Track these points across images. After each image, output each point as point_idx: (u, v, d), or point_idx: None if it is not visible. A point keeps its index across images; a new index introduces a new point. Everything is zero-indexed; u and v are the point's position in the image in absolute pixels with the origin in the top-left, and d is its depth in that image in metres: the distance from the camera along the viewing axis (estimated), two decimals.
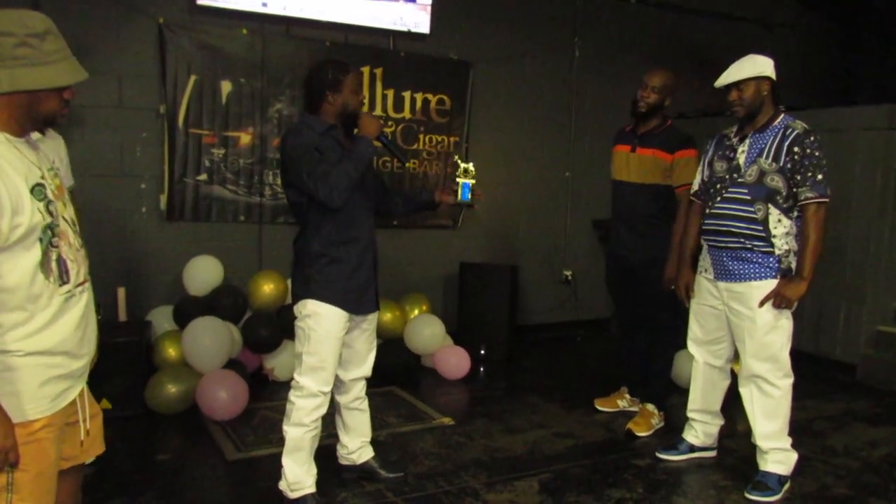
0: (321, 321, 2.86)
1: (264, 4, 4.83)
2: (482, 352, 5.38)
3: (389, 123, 5.41)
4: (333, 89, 2.87)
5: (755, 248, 3.15)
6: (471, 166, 3.12)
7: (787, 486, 3.28)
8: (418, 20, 5.35)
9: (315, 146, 2.79)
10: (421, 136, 5.58)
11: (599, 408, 4.36)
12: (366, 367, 3.16)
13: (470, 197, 3.11)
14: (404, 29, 5.34)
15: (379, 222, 3.14)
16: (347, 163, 2.79)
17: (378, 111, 5.36)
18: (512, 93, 6.02)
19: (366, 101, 5.22)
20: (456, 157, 3.19)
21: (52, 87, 1.73)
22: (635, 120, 3.99)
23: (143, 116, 4.71)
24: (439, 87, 5.64)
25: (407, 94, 5.51)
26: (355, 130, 2.96)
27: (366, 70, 5.25)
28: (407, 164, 3.12)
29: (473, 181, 3.10)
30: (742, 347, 3.27)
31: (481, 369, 5.26)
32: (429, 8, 5.35)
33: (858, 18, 7.69)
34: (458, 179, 3.10)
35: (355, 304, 2.94)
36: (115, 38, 4.57)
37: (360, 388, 3.19)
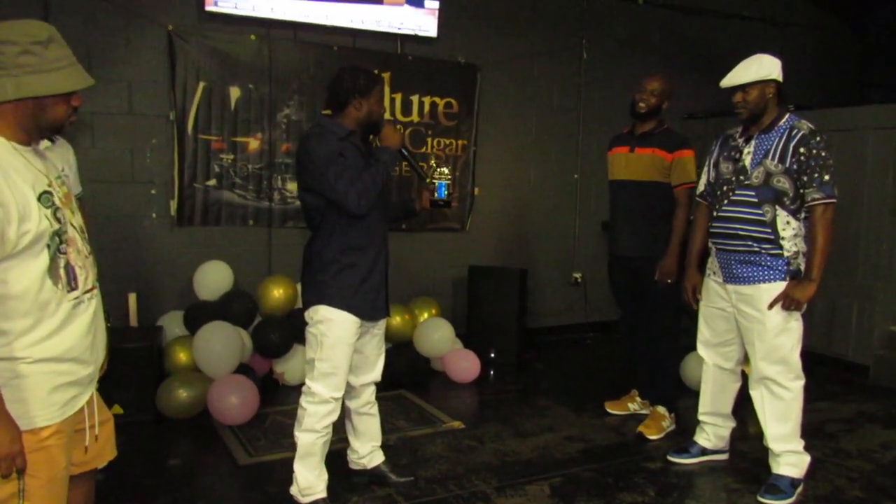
0: (333, 327, 2.86)
1: (272, 10, 4.85)
2: (492, 355, 5.37)
3: (398, 127, 5.41)
4: (363, 95, 2.86)
5: (763, 251, 3.13)
6: (445, 169, 3.23)
7: (799, 488, 3.26)
8: (426, 24, 5.36)
9: (340, 152, 2.79)
10: (429, 140, 5.59)
11: (610, 411, 4.35)
12: (376, 372, 3.16)
13: (446, 195, 3.18)
14: (412, 33, 5.35)
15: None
16: (374, 171, 2.79)
17: (386, 115, 5.36)
18: (520, 95, 6.02)
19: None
20: (432, 161, 3.28)
21: (56, 93, 1.74)
22: (633, 122, 4.05)
23: (153, 123, 4.74)
24: (447, 90, 5.64)
25: (415, 98, 5.52)
26: (371, 138, 2.96)
27: None
28: (427, 180, 3.14)
29: (448, 181, 3.19)
30: (752, 350, 3.25)
31: (491, 372, 5.25)
32: (436, 12, 5.36)
33: (869, 17, 7.65)
34: (434, 180, 3.16)
35: (368, 309, 2.94)
36: (124, 45, 4.61)
37: (370, 393, 3.19)
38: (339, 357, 2.88)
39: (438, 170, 3.18)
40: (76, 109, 1.84)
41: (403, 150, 3.02)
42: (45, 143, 2.14)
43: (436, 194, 3.15)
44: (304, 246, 3.01)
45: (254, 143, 5.02)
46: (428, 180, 3.13)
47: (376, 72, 5.18)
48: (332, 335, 2.86)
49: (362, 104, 2.87)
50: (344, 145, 2.83)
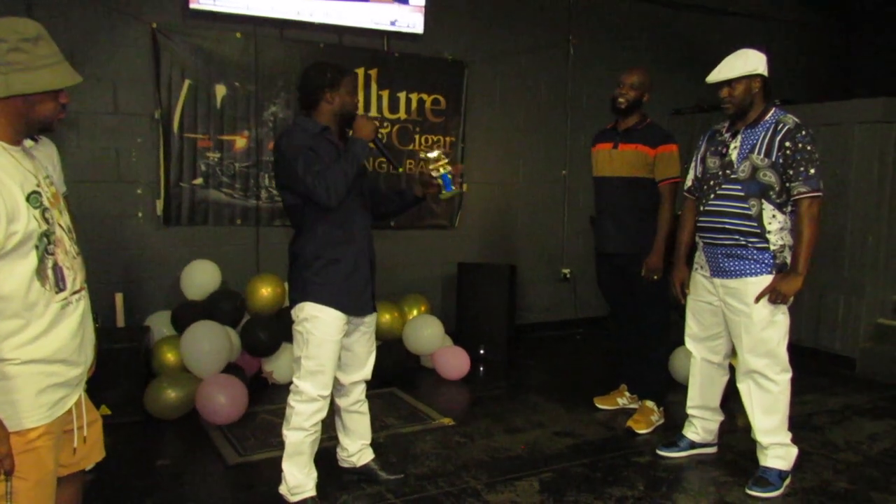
0: (319, 324, 2.85)
1: (258, 7, 4.81)
2: (481, 351, 5.38)
3: (385, 125, 5.41)
4: (332, 88, 2.86)
5: (750, 245, 3.15)
6: (439, 154, 3.03)
7: (787, 481, 3.28)
8: (412, 21, 5.35)
9: (310, 147, 2.78)
10: (417, 137, 5.58)
11: (599, 406, 4.36)
12: (366, 370, 3.15)
13: (454, 187, 3.01)
14: (398, 30, 5.33)
15: (376, 223, 3.13)
16: (343, 162, 2.77)
17: (373, 112, 5.36)
18: (507, 92, 6.03)
19: (360, 102, 5.21)
20: (422, 154, 3.09)
21: (47, 90, 1.74)
22: (616, 118, 4.05)
23: (139, 122, 4.71)
24: (434, 87, 5.64)
25: (402, 95, 5.51)
26: (350, 132, 2.95)
27: (360, 71, 5.25)
28: (399, 169, 3.07)
29: (449, 168, 3.01)
30: (739, 343, 3.26)
31: (481, 369, 5.26)
32: (422, 8, 5.35)
33: (854, 12, 7.70)
34: (434, 174, 3.01)
35: (353, 305, 2.93)
36: (109, 43, 4.57)
37: (360, 391, 3.18)
38: (325, 355, 2.87)
39: (432, 158, 3.01)
40: (65, 107, 1.84)
41: (376, 140, 2.96)
42: (29, 143, 2.13)
43: (444, 190, 3.00)
44: (289, 244, 3.00)
45: (240, 142, 5.00)
46: (401, 169, 3.04)
47: (362, 69, 5.25)
48: (318, 333, 2.85)
49: (334, 97, 2.87)
50: (318, 141, 2.83)
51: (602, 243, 4.16)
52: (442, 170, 3.00)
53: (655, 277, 3.86)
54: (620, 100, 3.94)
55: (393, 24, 5.30)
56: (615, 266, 4.09)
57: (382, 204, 3.20)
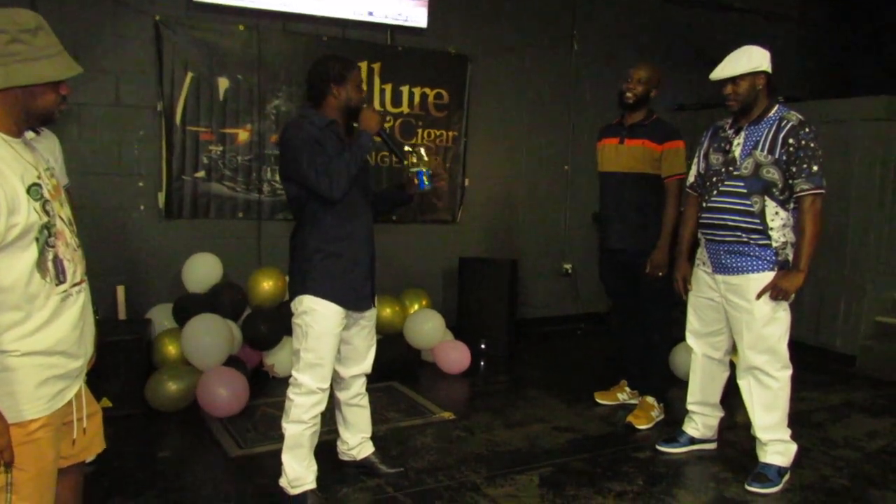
0: (318, 318, 2.85)
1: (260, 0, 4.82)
2: (482, 346, 5.38)
3: (388, 118, 5.41)
4: (338, 83, 2.86)
5: (752, 241, 3.15)
6: (421, 150, 3.07)
7: (786, 477, 3.28)
8: (416, 14, 5.35)
9: (316, 140, 2.78)
10: (419, 131, 5.58)
11: (599, 401, 4.36)
12: (366, 364, 3.15)
13: (428, 183, 3.04)
14: (402, 23, 5.32)
15: (378, 218, 3.13)
16: (347, 155, 2.77)
17: (376, 106, 5.35)
18: (510, 86, 6.02)
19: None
20: (405, 147, 3.13)
21: (47, 81, 1.73)
22: (622, 112, 4.03)
23: (141, 114, 4.71)
24: (437, 81, 5.63)
25: (405, 89, 5.50)
26: (355, 125, 2.95)
27: (363, 65, 5.24)
28: (405, 162, 3.08)
29: (427, 167, 3.04)
30: (740, 340, 3.26)
31: (481, 363, 5.26)
32: (426, 2, 5.34)
33: (857, 9, 7.67)
34: (412, 170, 3.04)
35: (352, 299, 2.93)
36: (111, 35, 4.57)
37: (360, 385, 3.19)
38: (324, 348, 2.87)
39: (414, 155, 3.05)
40: (65, 98, 1.84)
41: (382, 133, 2.95)
42: (30, 135, 2.13)
43: (418, 186, 3.05)
44: (290, 236, 3.00)
45: (243, 135, 5.00)
46: (406, 162, 3.07)
47: (365, 62, 5.24)
48: (317, 326, 2.85)
49: (340, 92, 2.86)
50: (324, 134, 2.82)
51: (606, 239, 4.15)
52: (422, 167, 3.03)
53: (660, 274, 3.86)
54: (628, 94, 3.92)
55: (397, 17, 5.29)
56: (619, 262, 4.09)
57: (377, 203, 3.19)
